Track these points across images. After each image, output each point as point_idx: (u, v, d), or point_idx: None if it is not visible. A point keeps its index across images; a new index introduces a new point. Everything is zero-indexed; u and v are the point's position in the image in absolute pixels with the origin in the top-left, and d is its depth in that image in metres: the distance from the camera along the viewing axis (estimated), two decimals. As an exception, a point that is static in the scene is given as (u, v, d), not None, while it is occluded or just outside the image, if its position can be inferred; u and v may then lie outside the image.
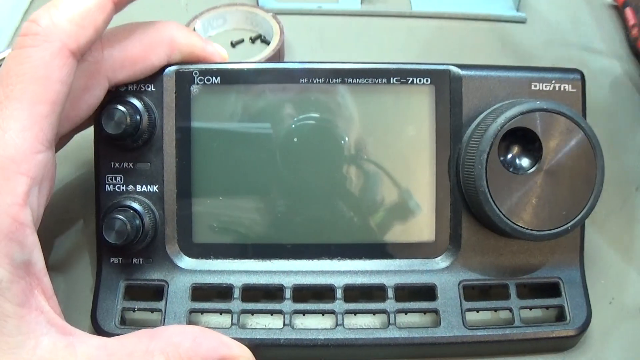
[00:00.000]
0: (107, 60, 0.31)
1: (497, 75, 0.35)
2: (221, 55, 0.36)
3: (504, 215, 0.32)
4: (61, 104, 0.28)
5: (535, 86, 0.35)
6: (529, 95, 0.34)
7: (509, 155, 0.33)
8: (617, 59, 0.51)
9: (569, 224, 0.32)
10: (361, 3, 0.54)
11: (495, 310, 0.35)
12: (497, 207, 0.32)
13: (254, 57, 0.48)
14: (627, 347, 0.35)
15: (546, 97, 0.34)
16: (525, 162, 0.33)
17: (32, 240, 0.27)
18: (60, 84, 0.27)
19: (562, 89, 0.35)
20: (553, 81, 0.35)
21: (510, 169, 0.32)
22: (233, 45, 0.51)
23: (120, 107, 0.32)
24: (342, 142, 0.35)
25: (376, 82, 0.35)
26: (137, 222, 0.33)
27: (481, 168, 0.32)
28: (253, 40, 0.52)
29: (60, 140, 0.36)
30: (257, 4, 0.53)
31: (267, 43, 0.50)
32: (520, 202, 0.32)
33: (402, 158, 0.35)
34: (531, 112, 0.32)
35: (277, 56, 0.49)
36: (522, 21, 0.54)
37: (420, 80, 0.34)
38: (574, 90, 0.35)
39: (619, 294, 0.37)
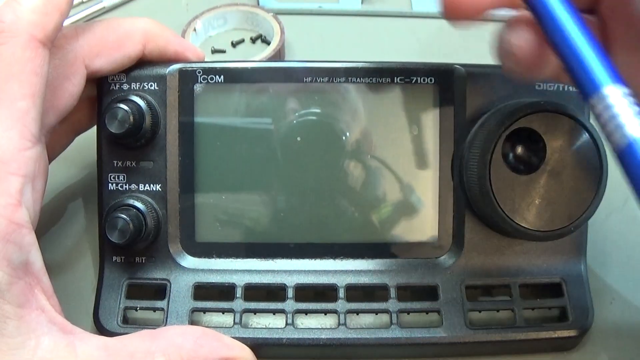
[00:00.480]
0: (83, 47, 0.31)
1: (501, 74, 0.34)
2: (197, 53, 0.36)
3: (507, 216, 0.32)
4: (40, 95, 0.28)
5: (540, 86, 0.34)
6: (534, 95, 0.34)
7: (513, 156, 0.33)
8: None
9: (572, 224, 0.32)
10: (362, 3, 0.54)
11: (498, 311, 0.34)
12: (500, 207, 0.32)
13: (254, 57, 0.48)
14: (628, 348, 0.35)
15: (550, 97, 0.34)
16: (529, 162, 0.32)
17: (30, 240, 0.26)
18: (36, 76, 0.27)
19: (566, 88, 0.34)
20: (556, 81, 0.34)
21: (514, 170, 0.32)
22: (233, 45, 0.51)
23: (124, 106, 0.32)
24: (345, 141, 0.35)
25: (380, 81, 0.34)
26: (140, 221, 0.33)
27: (485, 169, 0.32)
28: (253, 40, 0.52)
29: (61, 142, 0.36)
30: (258, 4, 0.52)
31: (268, 43, 0.50)
32: (523, 203, 0.32)
33: (406, 157, 0.35)
34: (535, 112, 0.32)
35: (278, 56, 0.48)
36: (522, 22, 0.53)
37: (424, 80, 0.34)
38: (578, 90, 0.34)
39: (620, 294, 0.37)
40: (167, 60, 0.34)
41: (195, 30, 0.50)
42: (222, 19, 0.52)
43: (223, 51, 0.51)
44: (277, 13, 0.51)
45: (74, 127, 0.36)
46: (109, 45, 0.32)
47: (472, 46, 0.52)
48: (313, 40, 0.52)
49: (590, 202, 0.32)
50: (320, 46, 0.51)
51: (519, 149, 0.33)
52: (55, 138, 0.34)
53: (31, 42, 0.27)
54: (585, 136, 0.32)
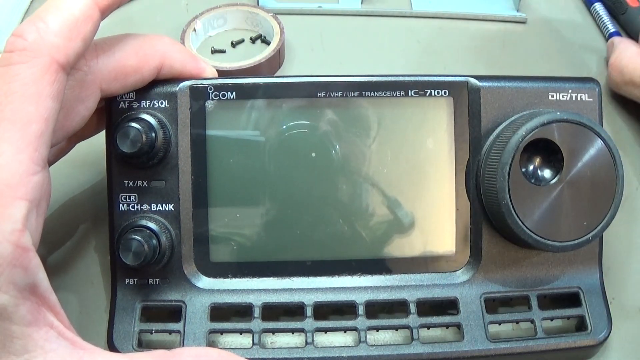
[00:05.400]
0: (101, 70, 0.31)
1: (515, 86, 0.35)
2: (212, 71, 0.36)
3: (527, 228, 0.32)
4: (54, 120, 0.27)
5: (553, 96, 0.35)
6: (547, 105, 0.35)
7: (531, 167, 0.33)
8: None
9: (590, 234, 0.33)
10: (361, 3, 0.54)
11: (517, 322, 0.35)
12: (520, 219, 0.32)
13: (254, 57, 0.48)
14: (627, 347, 0.36)
15: (564, 107, 0.35)
16: (546, 173, 0.33)
17: (35, 263, 0.26)
18: (52, 100, 0.27)
19: (578, 98, 0.35)
20: (570, 91, 0.35)
21: (532, 181, 0.33)
22: (233, 45, 0.51)
23: (135, 125, 0.32)
24: (361, 155, 0.35)
25: (394, 94, 0.35)
26: (154, 242, 0.33)
27: (503, 180, 0.32)
28: (253, 40, 0.52)
29: (62, 149, 0.35)
30: (258, 4, 0.52)
31: (268, 43, 0.50)
32: (542, 214, 0.33)
33: (422, 171, 0.35)
34: (552, 123, 0.32)
35: (278, 56, 0.49)
36: (522, 21, 0.54)
37: (438, 92, 0.35)
38: (591, 99, 0.35)
39: (619, 293, 0.38)
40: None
41: (195, 30, 0.50)
42: (222, 19, 0.52)
43: (223, 51, 0.51)
44: (277, 13, 0.51)
45: (77, 135, 0.36)
46: (127, 70, 0.32)
47: (471, 46, 0.52)
48: (313, 40, 0.52)
49: (607, 211, 0.33)
50: (320, 46, 0.52)
51: (537, 160, 0.33)
52: (57, 145, 0.34)
53: (52, 65, 0.27)
54: (602, 145, 0.33)
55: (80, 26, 0.28)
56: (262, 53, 0.48)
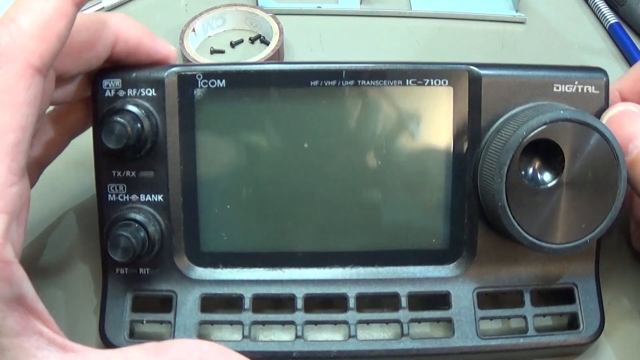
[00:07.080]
0: None
1: (518, 75, 0.26)
2: (170, 50, 0.27)
3: (523, 230, 0.24)
4: (32, 127, 0.20)
5: (558, 88, 0.26)
6: (551, 97, 0.25)
7: (529, 167, 0.24)
8: (617, 59, 0.42)
9: (588, 237, 0.24)
10: (360, 3, 0.44)
11: (509, 318, 0.27)
12: (516, 221, 0.24)
13: (253, 58, 0.39)
14: (626, 349, 0.27)
15: (569, 100, 0.26)
16: (546, 174, 0.24)
17: (20, 275, 0.20)
18: (29, 107, 0.20)
19: (585, 90, 0.26)
20: (576, 82, 0.26)
21: (531, 182, 0.24)
22: (232, 45, 0.42)
23: (120, 119, 0.23)
24: (355, 146, 0.26)
25: (391, 83, 0.25)
26: (142, 234, 0.24)
27: (501, 182, 0.23)
28: (252, 41, 0.42)
29: (56, 146, 0.28)
30: (257, 4, 0.43)
31: (267, 43, 0.41)
32: (539, 217, 0.24)
33: (418, 162, 0.26)
34: (554, 122, 0.23)
35: (277, 56, 0.39)
36: (521, 21, 0.44)
37: (437, 82, 0.25)
38: (597, 91, 0.26)
39: (618, 295, 0.29)
40: (137, 61, 0.25)
41: (194, 30, 0.40)
42: (221, 20, 0.42)
43: (222, 51, 0.41)
44: (276, 13, 0.41)
45: (69, 130, 0.27)
46: (78, 45, 0.23)
47: (470, 46, 0.43)
48: (312, 40, 0.43)
49: (606, 214, 0.24)
50: (319, 46, 0.42)
51: (537, 161, 0.24)
52: (50, 143, 0.26)
53: (27, 70, 0.20)
54: (605, 146, 0.23)
55: (54, 24, 0.20)
56: (261, 53, 0.39)
